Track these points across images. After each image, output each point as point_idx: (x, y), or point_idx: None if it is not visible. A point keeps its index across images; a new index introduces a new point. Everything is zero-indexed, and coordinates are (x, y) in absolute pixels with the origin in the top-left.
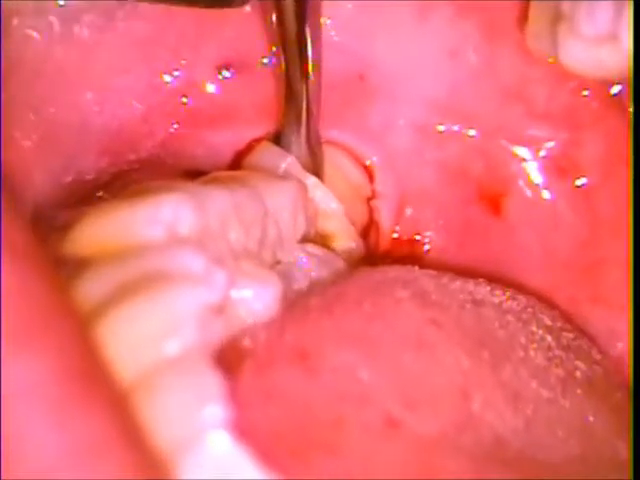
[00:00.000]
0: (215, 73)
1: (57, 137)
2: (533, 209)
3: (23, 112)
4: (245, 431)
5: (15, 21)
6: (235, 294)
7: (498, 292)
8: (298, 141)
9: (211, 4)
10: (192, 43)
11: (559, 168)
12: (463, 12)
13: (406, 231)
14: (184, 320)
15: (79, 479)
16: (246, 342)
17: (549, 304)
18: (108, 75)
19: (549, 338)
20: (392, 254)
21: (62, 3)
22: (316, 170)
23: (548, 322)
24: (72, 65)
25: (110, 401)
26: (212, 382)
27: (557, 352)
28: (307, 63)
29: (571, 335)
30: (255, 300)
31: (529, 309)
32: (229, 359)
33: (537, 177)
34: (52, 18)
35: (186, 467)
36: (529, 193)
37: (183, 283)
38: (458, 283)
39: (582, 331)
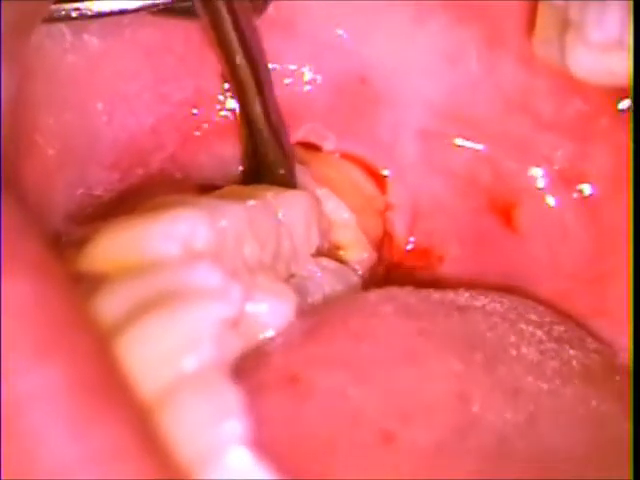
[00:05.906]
0: (221, 82)
1: (74, 147)
2: (543, 221)
3: (43, 117)
4: (266, 446)
5: None
6: (250, 308)
7: (480, 297)
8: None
9: None
10: (198, 51)
11: (567, 180)
12: (463, 17)
13: (420, 242)
14: (201, 336)
15: None
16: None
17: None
18: (116, 84)
19: (539, 332)
20: (406, 265)
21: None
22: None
23: (536, 318)
24: (82, 73)
25: (129, 411)
26: (231, 397)
27: (550, 345)
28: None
29: (562, 327)
30: (270, 314)
31: (513, 309)
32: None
33: (545, 189)
34: (62, 26)
35: None
36: (539, 204)
37: (200, 299)
38: (438, 294)
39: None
